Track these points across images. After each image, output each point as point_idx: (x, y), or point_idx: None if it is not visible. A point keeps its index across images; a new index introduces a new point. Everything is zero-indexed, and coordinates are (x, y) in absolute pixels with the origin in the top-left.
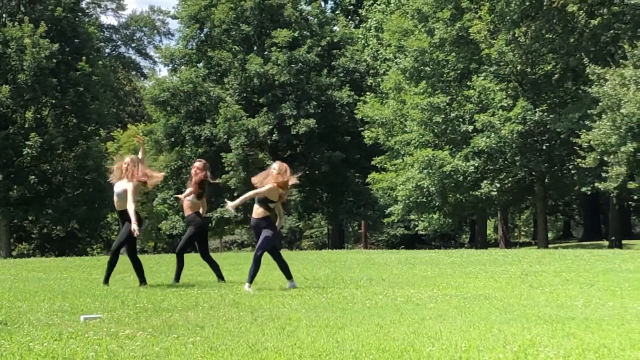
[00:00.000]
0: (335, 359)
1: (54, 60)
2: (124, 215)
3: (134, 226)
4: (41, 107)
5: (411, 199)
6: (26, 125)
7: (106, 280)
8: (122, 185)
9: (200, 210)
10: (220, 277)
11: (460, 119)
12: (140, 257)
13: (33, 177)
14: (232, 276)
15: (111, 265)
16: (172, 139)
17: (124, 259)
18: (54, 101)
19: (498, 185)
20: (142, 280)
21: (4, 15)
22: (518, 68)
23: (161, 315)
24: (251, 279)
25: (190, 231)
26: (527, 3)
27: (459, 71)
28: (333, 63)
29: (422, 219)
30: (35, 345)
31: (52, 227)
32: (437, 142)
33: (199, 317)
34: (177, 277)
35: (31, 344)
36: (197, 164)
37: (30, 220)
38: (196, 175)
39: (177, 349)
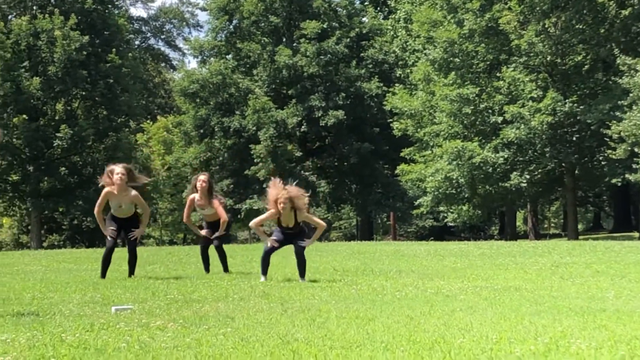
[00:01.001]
0: (366, 351)
1: (84, 52)
2: (127, 221)
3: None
4: (71, 99)
5: (440, 190)
6: (57, 117)
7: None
8: (130, 194)
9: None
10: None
11: (490, 110)
12: (170, 248)
13: (63, 168)
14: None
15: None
16: (201, 131)
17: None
18: (84, 93)
19: (528, 176)
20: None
21: (34, 8)
22: (548, 59)
23: (192, 307)
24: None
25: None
26: None
27: (488, 62)
28: (362, 54)
29: (451, 210)
30: (67, 336)
31: (83, 219)
32: (466, 133)
33: (230, 308)
34: (226, 268)
35: (63, 335)
36: (203, 177)
37: (61, 211)
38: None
39: (208, 340)
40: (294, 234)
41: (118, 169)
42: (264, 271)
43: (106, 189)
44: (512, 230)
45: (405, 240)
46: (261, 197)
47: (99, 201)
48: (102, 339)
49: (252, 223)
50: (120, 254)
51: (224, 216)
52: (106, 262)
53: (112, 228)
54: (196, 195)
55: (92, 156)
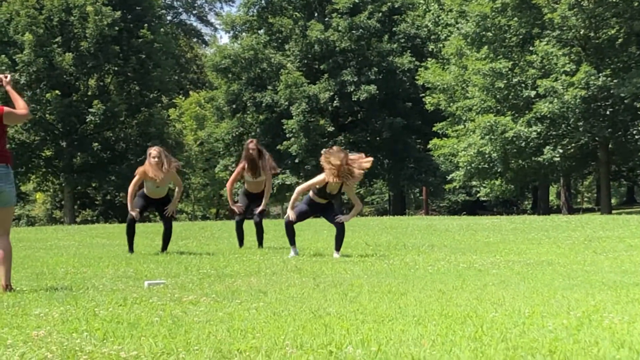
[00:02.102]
0: (398, 325)
1: (116, 28)
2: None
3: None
4: (104, 74)
5: (473, 165)
6: (89, 93)
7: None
8: (165, 177)
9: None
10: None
11: (523, 85)
12: (203, 223)
13: (96, 144)
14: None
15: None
16: (234, 106)
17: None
18: (116, 69)
19: (561, 151)
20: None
21: None
22: (581, 32)
23: (224, 281)
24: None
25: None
26: None
27: (521, 36)
28: (394, 29)
29: (483, 185)
30: (100, 310)
31: (115, 194)
32: (499, 107)
33: (262, 282)
34: (261, 243)
35: (96, 309)
36: (252, 144)
37: (94, 187)
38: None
39: (241, 314)
40: (325, 207)
41: (154, 152)
42: (292, 241)
43: (142, 169)
44: (545, 205)
45: (437, 215)
46: (294, 172)
47: (134, 181)
48: (135, 313)
49: (299, 188)
50: (153, 228)
51: (269, 187)
52: (130, 234)
53: (137, 209)
54: (246, 165)
55: (124, 132)
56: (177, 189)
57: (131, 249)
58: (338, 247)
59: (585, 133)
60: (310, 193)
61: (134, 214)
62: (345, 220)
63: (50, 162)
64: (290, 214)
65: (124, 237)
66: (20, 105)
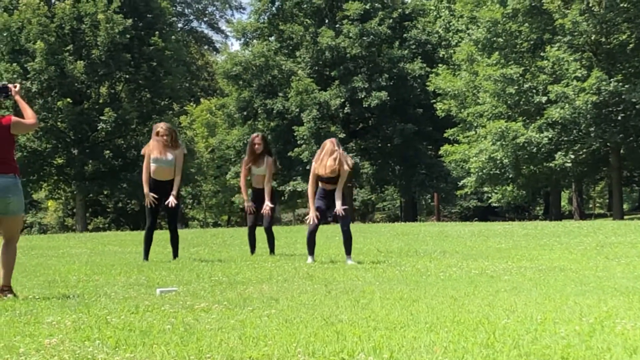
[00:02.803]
0: (410, 331)
1: (128, 36)
2: (168, 186)
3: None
4: (115, 82)
5: (484, 170)
6: (100, 101)
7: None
8: (171, 154)
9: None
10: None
11: (534, 90)
12: (215, 230)
13: (108, 151)
14: (305, 249)
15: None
16: (245, 113)
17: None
18: (127, 76)
19: (572, 156)
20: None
21: None
22: (592, 38)
23: (236, 289)
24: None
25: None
26: None
27: (532, 42)
28: (405, 35)
29: (495, 191)
30: (112, 318)
31: (127, 201)
32: (510, 113)
33: (274, 290)
34: (272, 250)
35: (109, 317)
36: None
37: (106, 194)
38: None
39: (252, 321)
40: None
41: (162, 130)
42: (311, 251)
43: (147, 148)
44: (557, 211)
45: (449, 221)
46: (305, 178)
47: (145, 164)
48: (147, 321)
49: (310, 188)
50: (165, 236)
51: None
52: (148, 240)
53: (153, 195)
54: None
55: (136, 139)
56: (177, 178)
57: (146, 257)
58: (348, 252)
59: (597, 138)
60: (320, 184)
61: (150, 196)
62: (343, 210)
63: (62, 170)
64: (312, 214)
65: (136, 245)
66: (29, 115)
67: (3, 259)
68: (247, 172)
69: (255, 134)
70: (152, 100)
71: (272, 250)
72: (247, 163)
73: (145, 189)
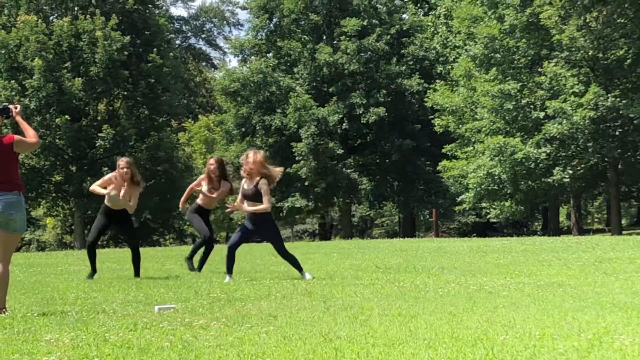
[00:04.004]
0: (408, 348)
1: (126, 53)
2: (121, 211)
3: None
4: (113, 99)
5: (482, 186)
6: (99, 118)
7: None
8: (128, 195)
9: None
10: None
11: (532, 106)
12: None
13: (106, 168)
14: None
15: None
16: (243, 129)
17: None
18: (125, 93)
19: (570, 171)
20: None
21: (76, 9)
22: (590, 53)
23: (234, 305)
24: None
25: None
26: None
27: (529, 57)
28: (402, 51)
29: (493, 206)
30: (110, 336)
31: None
32: (508, 129)
33: (272, 306)
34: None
35: (107, 335)
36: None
37: None
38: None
39: (251, 338)
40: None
41: (122, 163)
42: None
43: (110, 176)
44: (555, 226)
45: (447, 237)
46: (303, 194)
47: (98, 182)
48: (145, 338)
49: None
50: (163, 253)
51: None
52: (91, 256)
53: (97, 228)
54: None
55: (134, 156)
56: (131, 203)
57: (93, 270)
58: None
59: (595, 154)
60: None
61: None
62: (244, 209)
63: (60, 187)
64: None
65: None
66: (30, 134)
67: None
68: (197, 185)
69: (211, 158)
70: (150, 117)
71: (200, 267)
72: (199, 182)
73: (101, 191)
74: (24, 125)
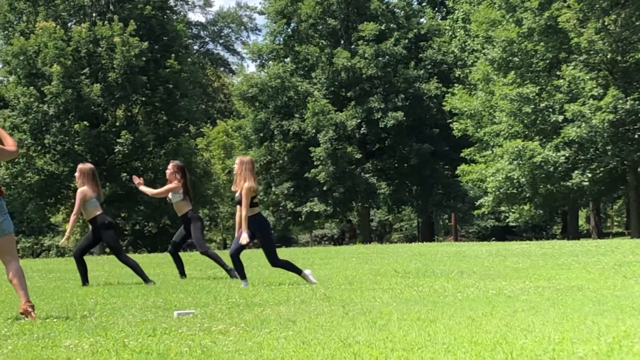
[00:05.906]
0: (427, 353)
1: (144, 59)
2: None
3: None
4: (131, 104)
5: (501, 190)
6: (117, 123)
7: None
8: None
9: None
10: (182, 273)
11: (550, 109)
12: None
13: (125, 174)
14: (322, 270)
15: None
16: (261, 134)
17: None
18: (143, 99)
19: (589, 175)
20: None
21: (94, 15)
22: (608, 56)
23: (253, 310)
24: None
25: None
26: None
27: (548, 61)
28: (420, 55)
29: (512, 210)
30: (130, 341)
31: (144, 224)
32: (526, 132)
33: (291, 311)
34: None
35: (126, 340)
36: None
37: (123, 217)
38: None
39: (270, 343)
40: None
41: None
42: (243, 275)
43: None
44: (575, 230)
45: (466, 241)
46: (322, 199)
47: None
48: (164, 344)
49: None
50: (184, 258)
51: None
52: (80, 265)
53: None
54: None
55: (152, 161)
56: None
57: (84, 281)
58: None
59: (614, 157)
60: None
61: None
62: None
63: None
64: (245, 236)
65: (154, 267)
66: (10, 143)
67: (14, 282)
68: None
69: (171, 163)
70: (168, 122)
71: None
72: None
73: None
74: (3, 134)
